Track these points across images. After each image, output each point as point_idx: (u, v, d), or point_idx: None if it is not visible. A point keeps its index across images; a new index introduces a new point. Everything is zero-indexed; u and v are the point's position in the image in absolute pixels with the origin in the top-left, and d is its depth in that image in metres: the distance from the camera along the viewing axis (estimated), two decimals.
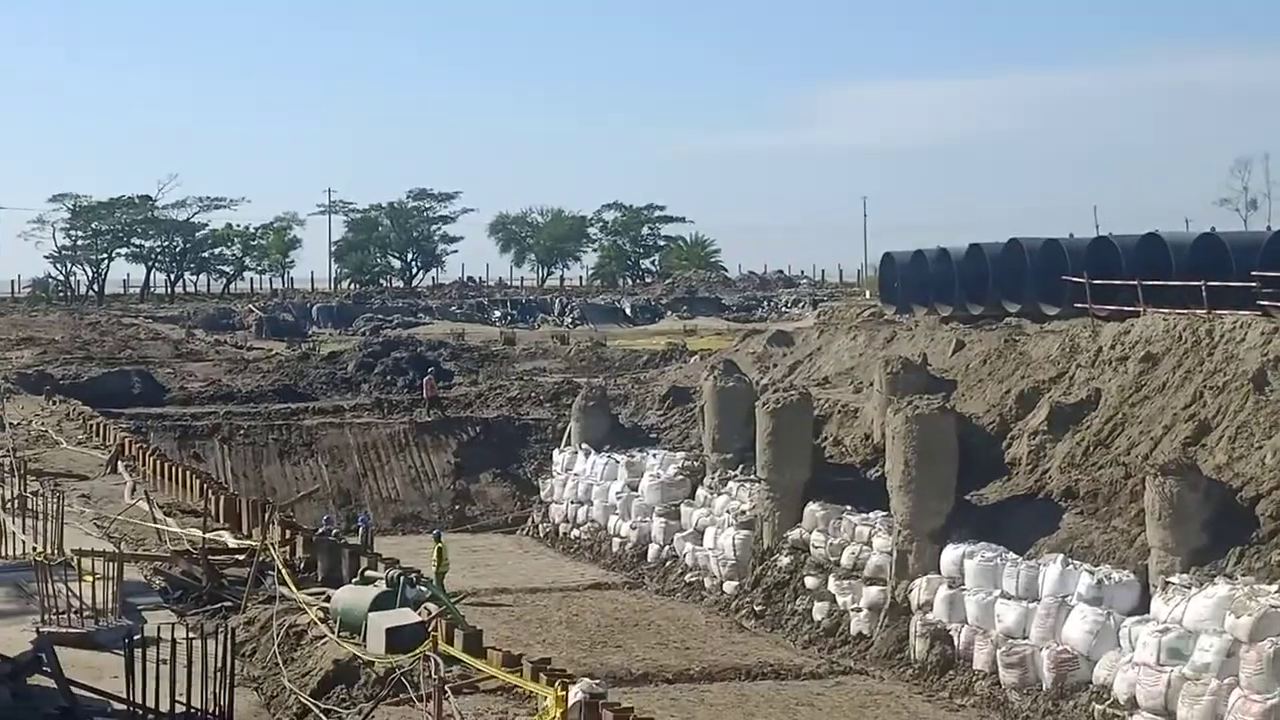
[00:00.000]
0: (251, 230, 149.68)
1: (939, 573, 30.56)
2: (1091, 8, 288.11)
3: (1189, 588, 25.08)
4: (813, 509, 35.19)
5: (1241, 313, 32.51)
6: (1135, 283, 37.37)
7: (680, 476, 41.93)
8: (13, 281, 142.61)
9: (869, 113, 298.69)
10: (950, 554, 30.31)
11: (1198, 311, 33.58)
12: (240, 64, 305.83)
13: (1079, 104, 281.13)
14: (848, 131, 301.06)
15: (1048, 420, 32.38)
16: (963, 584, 29.77)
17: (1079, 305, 40.12)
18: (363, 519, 40.50)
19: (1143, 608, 26.15)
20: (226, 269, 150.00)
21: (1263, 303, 33.94)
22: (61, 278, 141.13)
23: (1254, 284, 34.50)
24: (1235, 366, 29.60)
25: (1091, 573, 27.06)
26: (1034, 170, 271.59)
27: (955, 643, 29.55)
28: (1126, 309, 37.05)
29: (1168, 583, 25.58)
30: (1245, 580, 24.58)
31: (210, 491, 36.75)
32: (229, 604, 27.84)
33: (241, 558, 30.31)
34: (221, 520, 33.56)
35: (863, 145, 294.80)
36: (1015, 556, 29.05)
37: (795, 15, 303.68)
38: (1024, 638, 27.91)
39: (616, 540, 43.80)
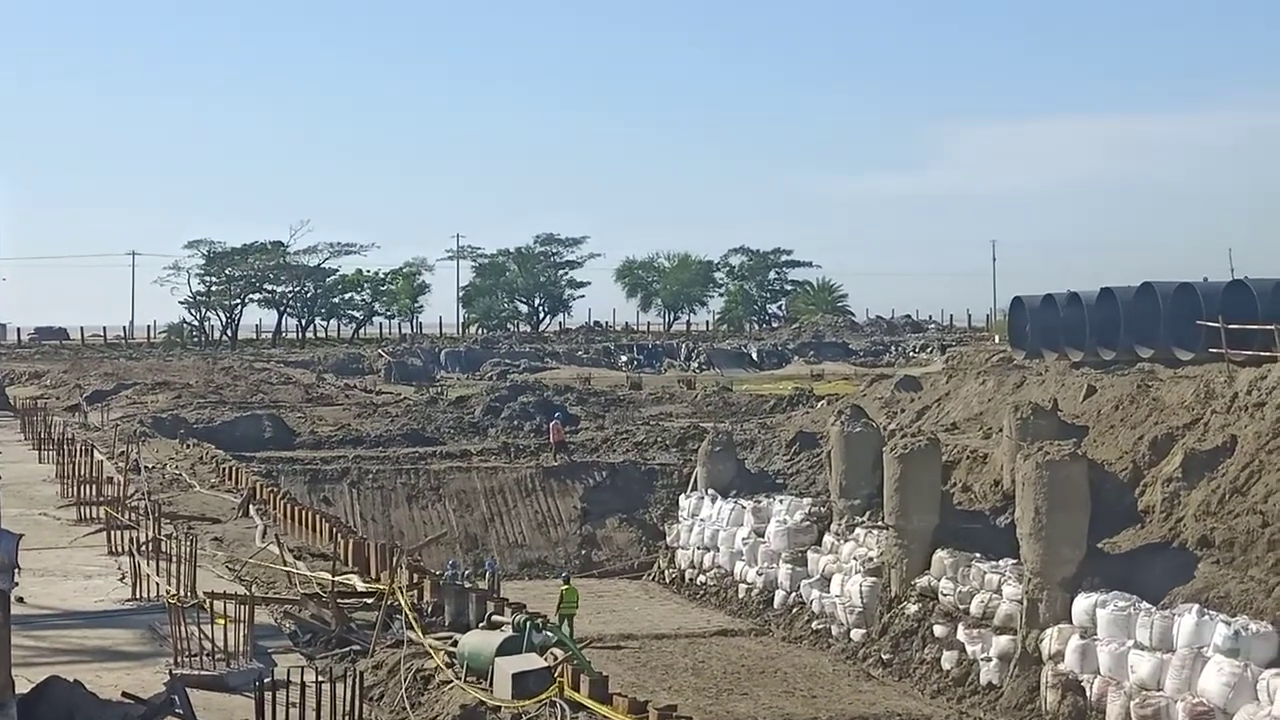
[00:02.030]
0: (381, 276, 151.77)
1: (1070, 622, 30.09)
2: (1223, 49, 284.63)
3: None
4: (941, 556, 34.82)
5: None
6: (1272, 327, 36.75)
7: (807, 522, 41.66)
8: (149, 326, 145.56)
9: (997, 155, 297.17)
10: (1082, 603, 29.85)
11: None
12: (370, 112, 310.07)
13: (1212, 145, 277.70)
14: (976, 175, 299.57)
15: (1182, 467, 31.82)
16: (1095, 634, 29.29)
17: (1214, 350, 39.52)
18: (489, 564, 40.68)
19: None
20: (356, 314, 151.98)
21: None
22: (196, 323, 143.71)
23: None
24: None
25: (1228, 623, 26.50)
26: (1166, 212, 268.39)
27: (1087, 694, 29.06)
28: (1263, 354, 36.45)
29: None
30: None
31: (339, 535, 37.05)
32: (357, 648, 27.96)
33: (370, 601, 30.49)
34: (350, 564, 33.78)
35: (991, 188, 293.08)
36: (1149, 606, 28.54)
37: (921, 58, 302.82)
38: (1158, 689, 27.38)
39: (743, 586, 43.59)
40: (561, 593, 35.21)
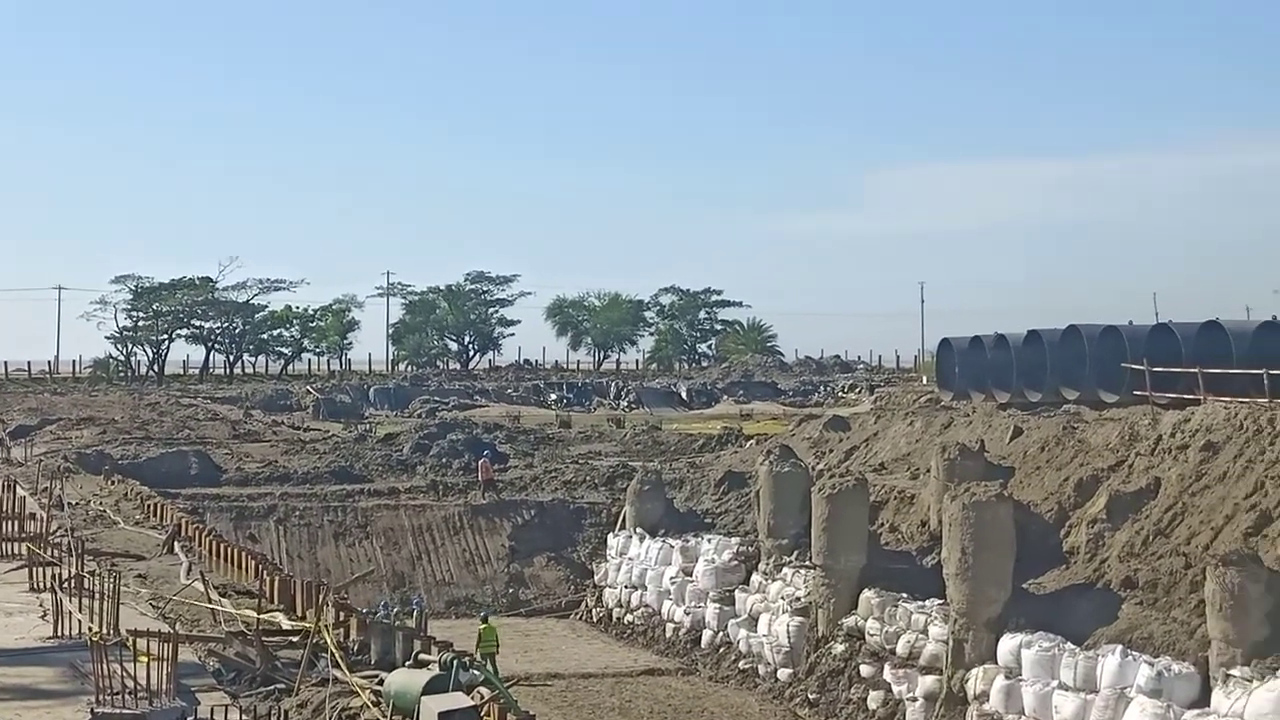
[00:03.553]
0: (310, 312, 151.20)
1: (996, 662, 30.26)
2: (1150, 95, 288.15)
3: (1250, 680, 24.75)
4: (868, 596, 34.95)
5: None
6: (1196, 370, 37.16)
7: (735, 562, 41.74)
8: (74, 361, 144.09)
9: (925, 197, 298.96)
10: (1007, 643, 30.02)
11: (1259, 400, 33.35)
12: (300, 147, 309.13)
13: (1138, 189, 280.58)
14: (904, 216, 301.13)
15: (1107, 509, 32.12)
16: (1020, 674, 29.46)
17: (1138, 393, 39.94)
18: (415, 601, 40.46)
19: (1203, 700, 25.81)
20: (285, 350, 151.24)
21: None
22: (122, 358, 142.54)
23: None
24: None
25: (1151, 664, 26.73)
26: (1093, 256, 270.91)
27: None
28: (1187, 397, 36.85)
29: (1228, 675, 25.26)
30: None
31: (265, 573, 36.74)
32: (282, 686, 27.73)
33: (295, 639, 30.26)
34: (276, 601, 33.49)
35: (919, 230, 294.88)
36: (1073, 647, 28.74)
37: (849, 100, 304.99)
38: None
39: (670, 625, 43.59)
40: (480, 632, 35.01)
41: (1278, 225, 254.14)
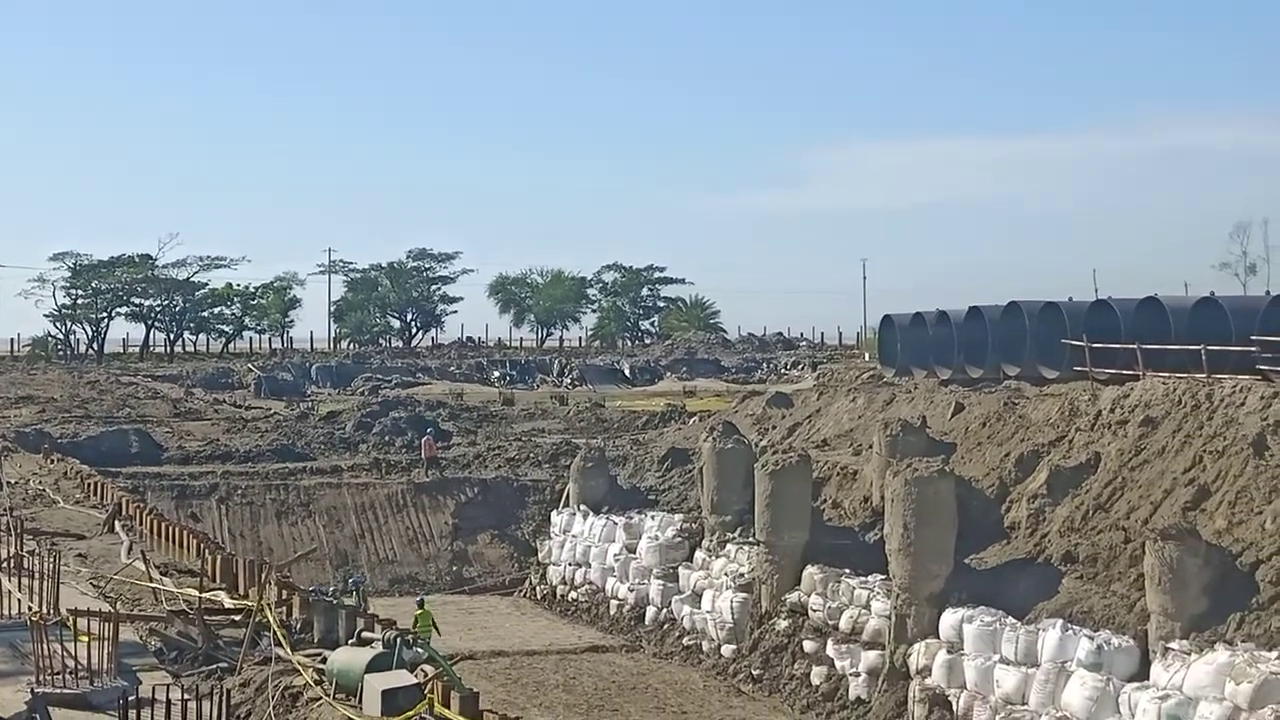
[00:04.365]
0: (251, 290, 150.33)
1: (938, 637, 30.42)
2: (1090, 73, 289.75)
3: (1189, 654, 24.99)
4: (811, 572, 35.07)
5: (1241, 377, 32.56)
6: (1135, 346, 37.42)
7: (678, 538, 41.80)
8: (12, 340, 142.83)
9: (866, 174, 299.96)
10: (949, 618, 30.19)
11: (1197, 376, 33.62)
12: (240, 125, 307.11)
13: (1078, 167, 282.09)
14: (846, 194, 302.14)
15: (1047, 484, 32.32)
16: (962, 648, 29.63)
17: (1078, 369, 40.19)
18: (355, 579, 40.28)
19: (1143, 674, 26.04)
20: (226, 328, 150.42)
21: (1262, 367, 33.99)
22: (61, 336, 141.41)
23: (1253, 348, 34.55)
24: (1235, 431, 29.60)
25: (1091, 638, 26.94)
26: (1033, 233, 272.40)
27: (954, 708, 29.38)
28: (1126, 373, 37.11)
29: (1167, 648, 25.48)
30: (1245, 647, 24.49)
31: (207, 551, 36.58)
32: (224, 665, 27.61)
33: (237, 618, 30.15)
34: (218, 580, 33.37)
35: (861, 207, 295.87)
36: (1014, 621, 28.94)
37: (794, 76, 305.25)
38: (1023, 703, 27.76)
39: (614, 602, 43.63)
40: (415, 616, 34.75)
41: (1216, 203, 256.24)
